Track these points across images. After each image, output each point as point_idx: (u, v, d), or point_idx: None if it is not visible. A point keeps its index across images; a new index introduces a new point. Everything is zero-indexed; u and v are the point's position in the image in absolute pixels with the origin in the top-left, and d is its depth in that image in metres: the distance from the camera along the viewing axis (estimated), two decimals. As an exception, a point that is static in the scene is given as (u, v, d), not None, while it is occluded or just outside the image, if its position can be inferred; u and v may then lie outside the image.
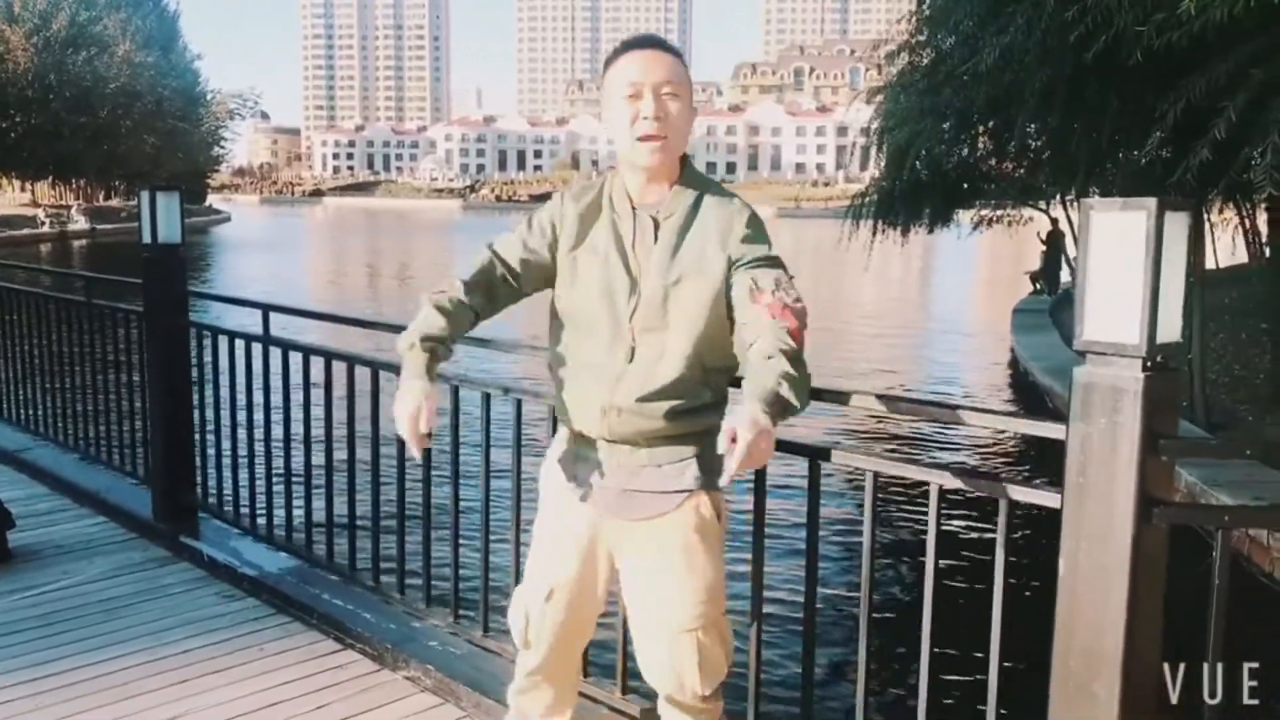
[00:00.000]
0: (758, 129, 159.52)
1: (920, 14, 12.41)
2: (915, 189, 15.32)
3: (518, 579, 2.94)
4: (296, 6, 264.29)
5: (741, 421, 1.64)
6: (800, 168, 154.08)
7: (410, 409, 1.88)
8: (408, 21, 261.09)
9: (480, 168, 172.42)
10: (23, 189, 65.98)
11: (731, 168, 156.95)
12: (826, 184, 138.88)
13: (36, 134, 55.98)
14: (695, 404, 1.97)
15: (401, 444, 3.22)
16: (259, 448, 3.95)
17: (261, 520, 3.98)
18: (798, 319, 1.86)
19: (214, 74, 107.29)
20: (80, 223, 53.89)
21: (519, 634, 2.18)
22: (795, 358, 1.81)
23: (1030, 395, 13.82)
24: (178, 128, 67.53)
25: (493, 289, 2.06)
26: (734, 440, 1.62)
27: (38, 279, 6.39)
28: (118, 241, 44.22)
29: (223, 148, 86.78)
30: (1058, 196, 17.10)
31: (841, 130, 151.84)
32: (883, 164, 15.97)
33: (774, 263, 1.95)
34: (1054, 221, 20.91)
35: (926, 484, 2.09)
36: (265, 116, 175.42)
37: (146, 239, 4.08)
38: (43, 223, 51.67)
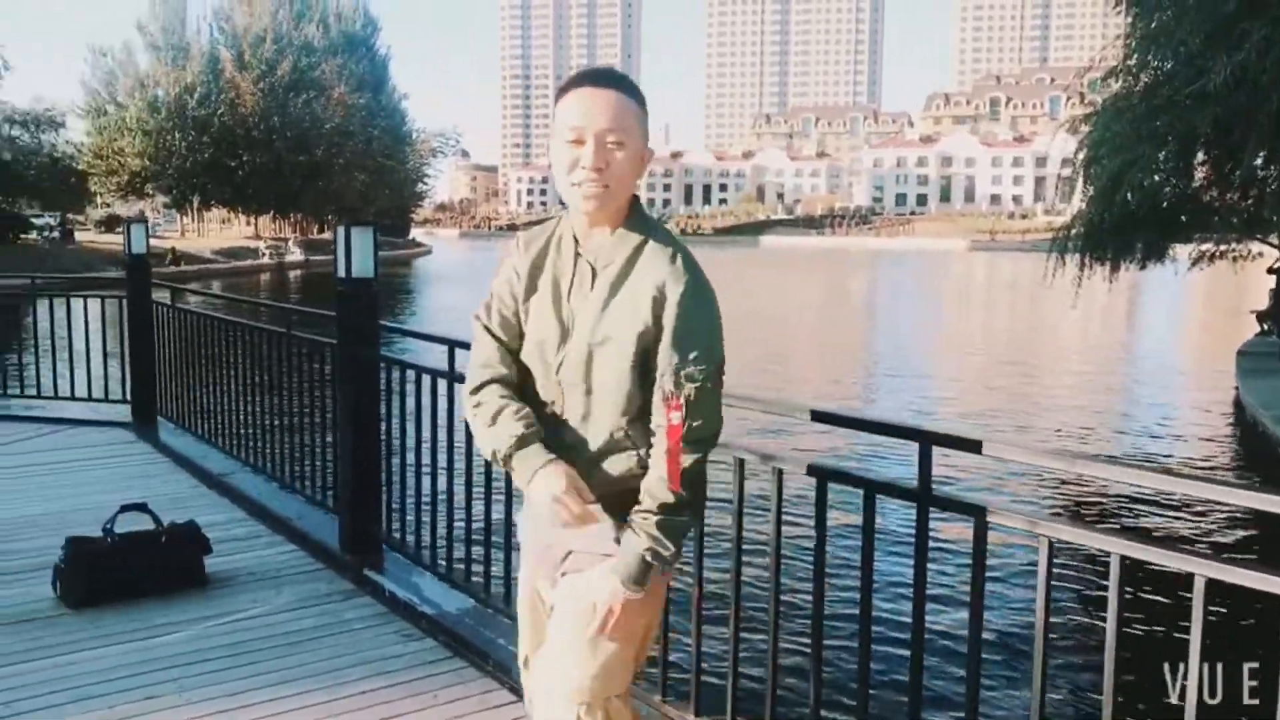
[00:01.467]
0: (950, 160, 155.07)
1: (1136, 34, 11.63)
2: (1126, 221, 14.37)
3: (699, 640, 2.74)
4: (497, 49, 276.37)
5: (603, 593, 1.82)
6: (995, 199, 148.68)
7: (561, 484, 1.79)
8: (600, 60, 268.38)
9: (666, 202, 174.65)
10: (247, 223, 71.24)
11: (922, 199, 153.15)
12: (1024, 216, 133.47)
13: (261, 172, 60.48)
14: (623, 468, 1.86)
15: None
16: (442, 484, 3.91)
17: (442, 558, 3.93)
18: (690, 449, 1.79)
19: (418, 114, 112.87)
20: (296, 254, 57.69)
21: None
22: (667, 509, 1.80)
23: (1259, 446, 12.59)
24: (385, 165, 71.43)
25: (509, 364, 1.93)
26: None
27: (239, 308, 6.66)
28: (327, 273, 46.91)
29: (426, 184, 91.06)
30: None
31: (1040, 161, 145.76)
32: (1089, 195, 15.07)
33: (701, 352, 1.78)
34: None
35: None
36: (465, 154, 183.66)
37: (341, 273, 4.13)
38: (263, 254, 55.61)
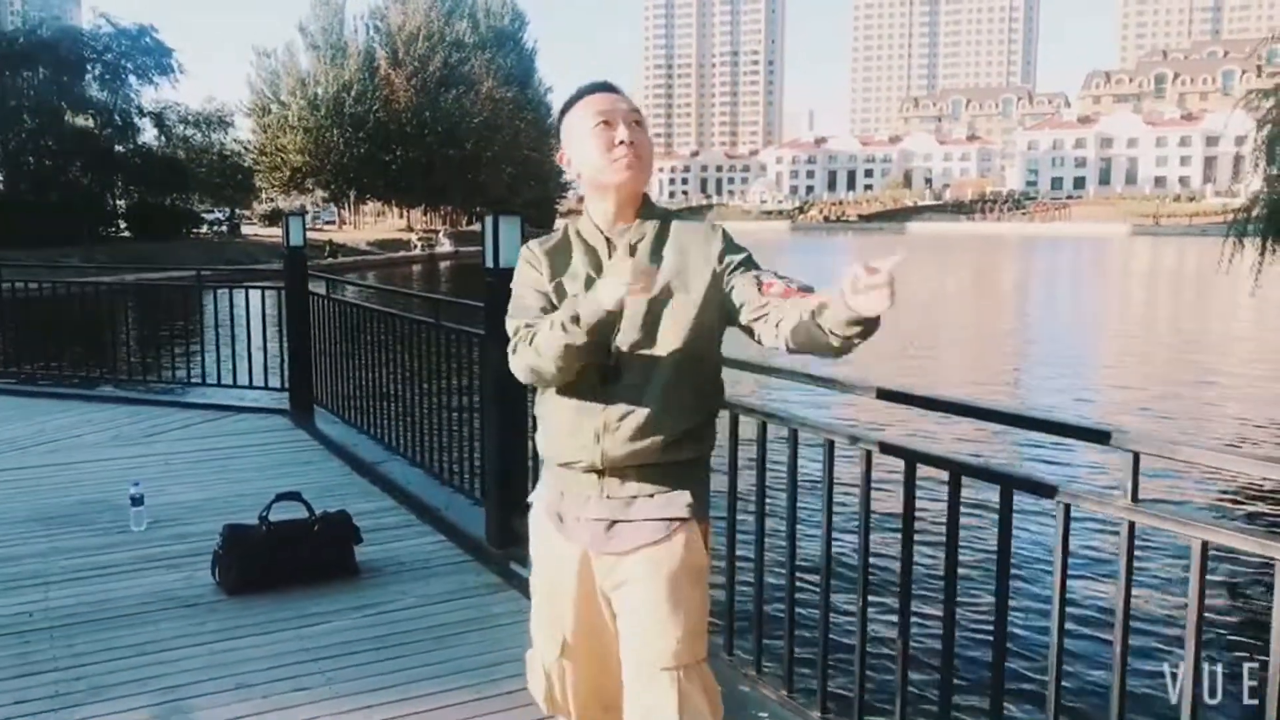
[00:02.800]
0: (1111, 141, 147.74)
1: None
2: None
3: (863, 655, 2.56)
4: (640, 39, 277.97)
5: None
6: (1160, 181, 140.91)
7: (620, 270, 1.79)
8: (744, 47, 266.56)
9: (810, 189, 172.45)
10: (400, 216, 73.70)
11: (1080, 182, 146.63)
12: (1191, 199, 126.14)
13: (413, 166, 62.41)
14: (686, 426, 1.93)
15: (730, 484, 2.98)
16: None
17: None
18: (804, 290, 1.81)
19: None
20: (446, 245, 59.39)
21: (543, 698, 2.16)
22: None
23: None
24: (531, 158, 72.71)
25: None
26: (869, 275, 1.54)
27: (391, 299, 6.75)
28: (475, 263, 48.09)
29: (570, 176, 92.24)
30: None
31: (1211, 140, 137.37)
32: (1275, 173, 14.00)
33: (755, 263, 1.96)
34: None
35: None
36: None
37: (489, 263, 4.07)
38: (415, 245, 57.44)
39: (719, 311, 1.92)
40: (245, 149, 60.07)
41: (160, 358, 8.37)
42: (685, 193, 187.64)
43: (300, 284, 7.15)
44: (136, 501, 4.70)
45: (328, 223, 69.83)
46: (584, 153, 1.97)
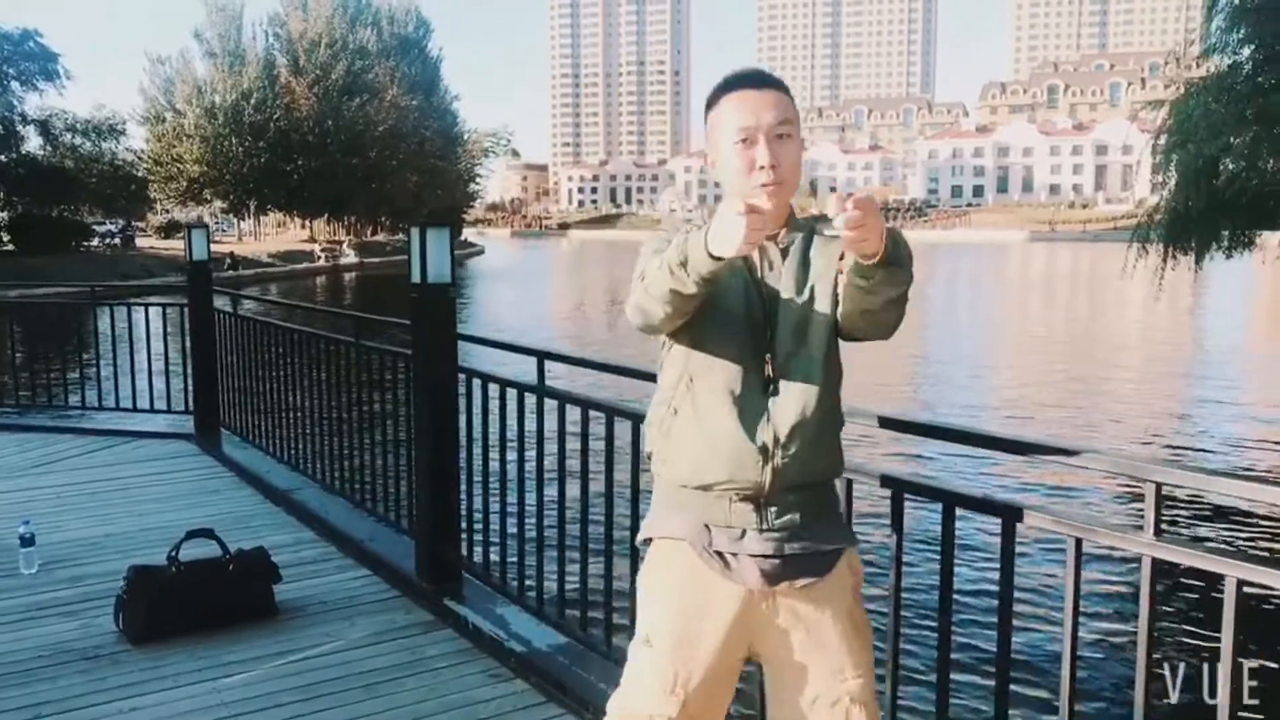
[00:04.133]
0: (1007, 150, 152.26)
1: (1225, 10, 11.00)
2: (1214, 209, 13.68)
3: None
4: (546, 48, 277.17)
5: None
6: (1055, 189, 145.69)
7: (733, 205, 1.55)
8: (650, 58, 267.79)
9: (718, 198, 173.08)
10: (302, 226, 71.96)
11: (979, 190, 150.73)
12: (1084, 206, 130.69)
13: (316, 176, 60.97)
14: (836, 441, 1.84)
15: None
16: (530, 507, 3.57)
17: (530, 589, 3.58)
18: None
19: (469, 115, 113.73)
20: (350, 257, 58.08)
21: None
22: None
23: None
24: (438, 166, 71.70)
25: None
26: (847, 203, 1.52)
27: (305, 314, 6.38)
28: (381, 274, 47.41)
29: (477, 184, 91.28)
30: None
31: (1101, 149, 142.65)
32: (1174, 181, 14.39)
33: None
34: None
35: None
36: (516, 154, 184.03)
37: (415, 278, 3.79)
38: (318, 257, 56.04)
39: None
40: (139, 158, 57.97)
41: (51, 381, 7.80)
42: (595, 202, 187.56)
43: (205, 300, 6.74)
44: (26, 541, 4.30)
45: (227, 234, 67.81)
46: (724, 167, 1.84)
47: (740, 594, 1.79)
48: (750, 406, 1.76)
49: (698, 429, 1.78)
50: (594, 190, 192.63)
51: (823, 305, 1.80)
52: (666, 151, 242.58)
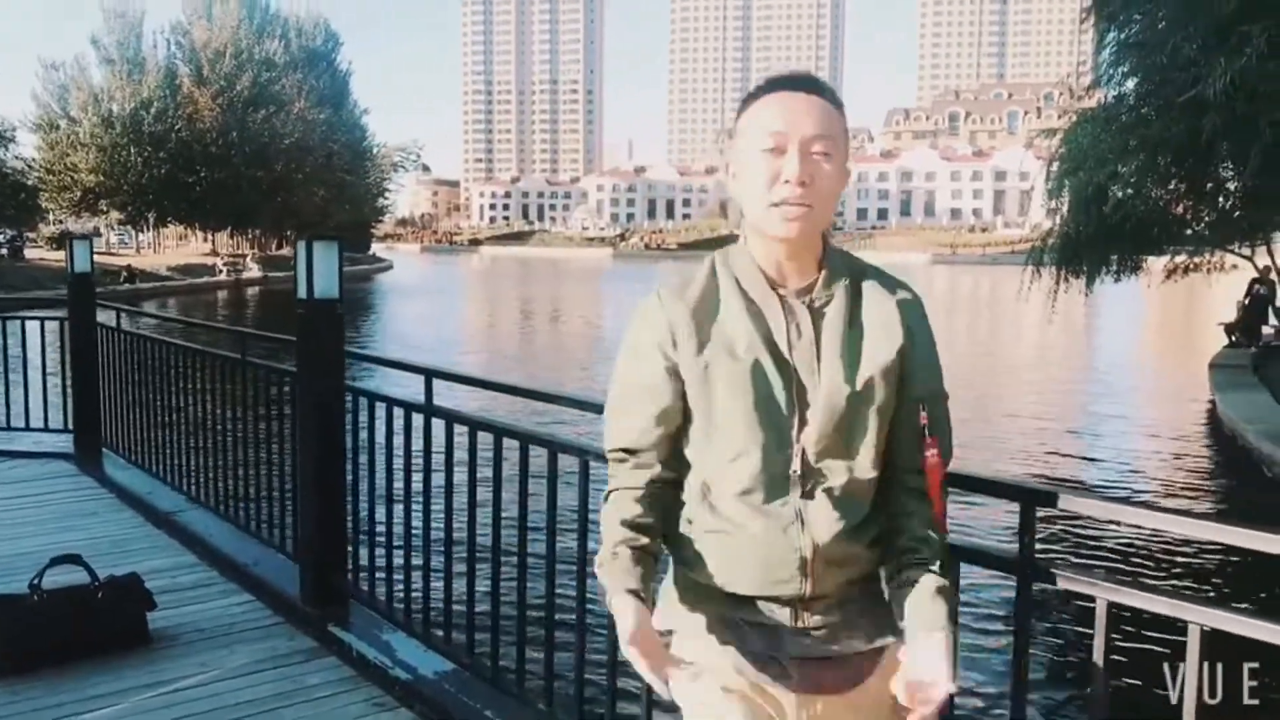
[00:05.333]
0: (910, 174, 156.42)
1: (1112, 44, 11.45)
2: (1103, 234, 14.21)
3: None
4: (458, 63, 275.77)
5: (932, 672, 1.35)
6: (955, 214, 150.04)
7: (629, 621, 1.40)
8: (563, 76, 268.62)
9: (630, 216, 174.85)
10: (205, 239, 70.09)
11: (883, 214, 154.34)
12: (984, 230, 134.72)
13: (219, 188, 59.50)
14: (883, 528, 1.54)
15: (582, 537, 2.71)
16: (416, 530, 3.48)
17: (417, 614, 3.48)
18: (940, 479, 1.52)
19: (380, 129, 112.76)
20: (254, 271, 56.73)
21: None
22: (942, 549, 1.51)
23: (1240, 458, 12.42)
24: (346, 180, 70.69)
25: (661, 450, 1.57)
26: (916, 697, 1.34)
27: (193, 330, 6.16)
28: (285, 289, 46.06)
29: (386, 199, 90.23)
30: (1265, 241, 15.61)
31: (999, 175, 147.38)
32: (1064, 208, 14.92)
33: (940, 379, 1.56)
34: (1265, 270, 19.10)
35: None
36: (427, 169, 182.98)
37: (302, 293, 3.68)
38: (220, 270, 54.62)
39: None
40: (29, 166, 55.82)
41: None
42: (507, 218, 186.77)
43: (87, 314, 6.46)
44: (-121, 569, 4.04)
45: (125, 246, 65.66)
46: (744, 179, 1.51)
47: (781, 702, 1.54)
48: (779, 513, 1.47)
49: (720, 542, 1.51)
50: (506, 206, 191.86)
51: (884, 393, 1.49)
52: (579, 169, 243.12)
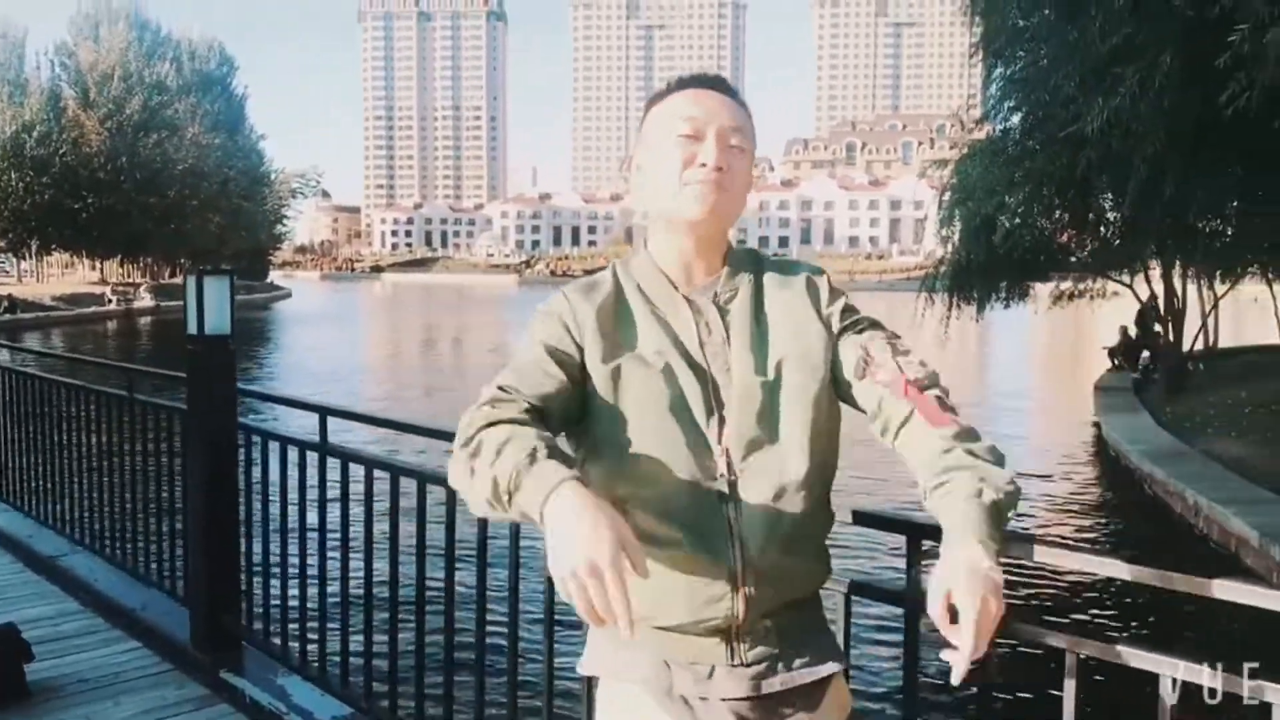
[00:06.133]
0: (810, 203, 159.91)
1: (999, 80, 11.91)
2: (992, 262, 14.71)
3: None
4: (359, 89, 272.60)
5: (959, 578, 1.17)
6: (853, 241, 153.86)
7: (604, 541, 1.12)
8: (466, 102, 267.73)
9: (535, 243, 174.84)
10: (93, 267, 67.67)
11: (784, 241, 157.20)
12: (880, 257, 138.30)
13: (107, 214, 57.57)
14: (824, 540, 1.45)
15: (481, 578, 2.68)
16: (312, 571, 3.39)
17: (313, 657, 3.39)
18: (929, 391, 1.38)
19: (279, 155, 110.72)
20: (146, 300, 54.93)
21: None
22: (970, 438, 1.35)
23: (1124, 479, 12.95)
24: (242, 207, 69.18)
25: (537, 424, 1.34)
26: (951, 611, 1.17)
27: (77, 365, 5.93)
28: (179, 319, 44.80)
29: (285, 225, 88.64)
30: (1143, 269, 16.35)
31: (895, 204, 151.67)
32: (955, 237, 15.40)
33: (875, 323, 1.49)
34: (1153, 296, 19.93)
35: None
36: (326, 195, 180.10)
37: (192, 329, 3.58)
38: (110, 300, 52.72)
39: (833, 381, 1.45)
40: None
41: None
42: (410, 245, 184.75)
43: (-39, 350, 6.17)
44: None
45: (6, 275, 63.01)
46: (654, 168, 1.45)
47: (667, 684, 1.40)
48: (706, 524, 1.35)
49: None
50: (408, 233, 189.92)
51: (798, 377, 1.41)
52: (483, 196, 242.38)
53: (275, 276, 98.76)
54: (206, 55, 71.18)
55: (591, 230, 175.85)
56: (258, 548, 3.72)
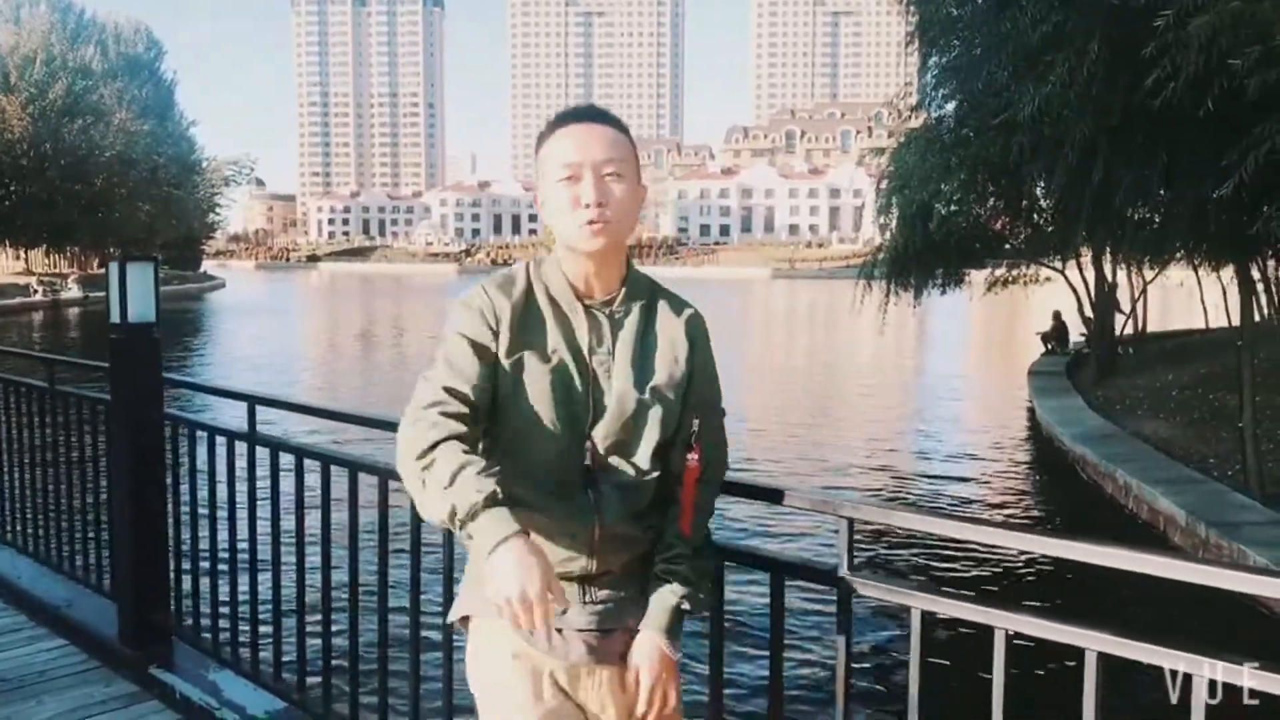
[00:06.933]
0: (750, 191, 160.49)
1: (934, 69, 12.04)
2: (929, 249, 14.90)
3: None
4: (293, 75, 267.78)
5: (645, 660, 1.66)
6: (794, 229, 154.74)
7: (536, 582, 1.42)
8: (403, 89, 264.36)
9: (475, 232, 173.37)
10: (17, 257, 65.74)
11: (725, 230, 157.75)
12: (820, 245, 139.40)
13: (31, 202, 55.92)
14: (662, 516, 1.76)
15: (415, 566, 2.64)
16: (242, 562, 3.32)
17: (245, 650, 3.33)
18: (708, 484, 1.77)
19: (210, 142, 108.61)
20: (74, 291, 53.49)
21: None
22: (695, 553, 1.75)
23: (1056, 459, 13.23)
24: (173, 195, 67.54)
25: (471, 423, 1.62)
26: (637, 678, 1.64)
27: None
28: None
29: (218, 214, 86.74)
30: (1074, 255, 16.66)
31: (834, 192, 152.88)
32: (895, 223, 15.58)
33: (717, 394, 1.81)
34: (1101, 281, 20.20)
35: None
36: (261, 183, 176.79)
37: (115, 318, 3.48)
38: (35, 291, 51.29)
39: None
40: None
41: None
42: (347, 234, 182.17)
43: (-127, 341, 5.95)
44: None
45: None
46: (548, 206, 1.69)
47: (560, 668, 1.71)
48: (571, 498, 1.66)
49: (524, 518, 1.58)
50: (345, 222, 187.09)
51: (665, 399, 1.70)
52: (421, 184, 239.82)
53: (209, 266, 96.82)
54: (133, 39, 69.33)
55: (532, 219, 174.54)
56: (187, 540, 3.64)
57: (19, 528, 4.71)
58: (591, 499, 1.66)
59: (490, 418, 1.66)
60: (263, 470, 3.16)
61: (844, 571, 1.76)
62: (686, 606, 1.69)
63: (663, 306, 1.76)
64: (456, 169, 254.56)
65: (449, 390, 1.60)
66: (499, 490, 1.48)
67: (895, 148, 15.21)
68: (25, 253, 64.89)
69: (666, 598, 1.68)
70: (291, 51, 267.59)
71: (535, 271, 1.73)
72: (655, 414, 1.68)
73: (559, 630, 1.69)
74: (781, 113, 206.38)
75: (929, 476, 12.91)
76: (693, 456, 1.71)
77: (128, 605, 3.71)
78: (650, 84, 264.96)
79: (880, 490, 12.08)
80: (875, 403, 19.36)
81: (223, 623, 3.44)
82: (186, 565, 3.66)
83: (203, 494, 3.51)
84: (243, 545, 3.31)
